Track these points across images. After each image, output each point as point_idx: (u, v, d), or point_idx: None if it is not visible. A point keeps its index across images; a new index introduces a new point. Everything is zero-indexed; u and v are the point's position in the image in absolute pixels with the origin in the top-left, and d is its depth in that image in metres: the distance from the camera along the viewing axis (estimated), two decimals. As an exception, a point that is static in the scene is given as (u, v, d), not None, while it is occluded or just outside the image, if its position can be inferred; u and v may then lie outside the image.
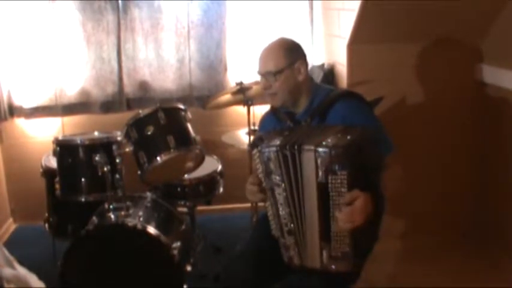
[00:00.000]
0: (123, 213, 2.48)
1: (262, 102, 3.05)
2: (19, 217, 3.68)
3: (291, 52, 2.00)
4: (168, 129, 2.55)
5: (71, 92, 3.47)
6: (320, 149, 1.69)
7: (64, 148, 2.62)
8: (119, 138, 2.57)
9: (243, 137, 3.05)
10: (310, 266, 1.83)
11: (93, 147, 2.58)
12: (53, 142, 2.65)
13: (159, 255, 2.39)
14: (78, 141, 2.61)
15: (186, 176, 2.88)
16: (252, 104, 2.83)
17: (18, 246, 3.16)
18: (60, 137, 2.72)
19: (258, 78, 2.07)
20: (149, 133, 2.54)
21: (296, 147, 1.74)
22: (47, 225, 2.92)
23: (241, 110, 3.15)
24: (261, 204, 1.98)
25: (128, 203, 2.53)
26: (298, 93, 2.03)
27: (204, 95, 3.50)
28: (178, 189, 2.93)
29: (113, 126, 2.91)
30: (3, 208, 3.59)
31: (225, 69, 3.56)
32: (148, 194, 2.74)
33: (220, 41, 3.50)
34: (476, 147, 3.11)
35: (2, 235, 3.46)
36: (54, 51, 3.38)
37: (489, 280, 2.74)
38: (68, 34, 3.37)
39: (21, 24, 3.33)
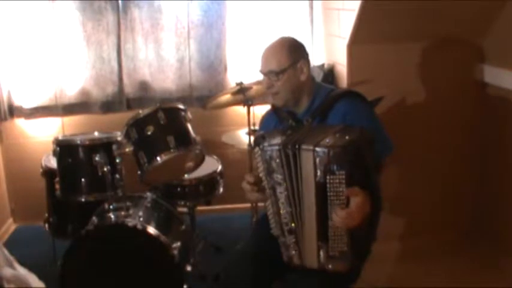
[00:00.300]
0: (123, 213, 2.48)
1: (262, 102, 3.06)
2: (19, 217, 3.68)
3: (294, 51, 1.99)
4: (168, 129, 2.55)
5: (71, 92, 3.47)
6: (318, 149, 1.69)
7: (64, 148, 2.62)
8: (119, 138, 2.57)
9: (243, 137, 3.05)
10: (309, 265, 1.83)
11: (93, 147, 2.58)
12: (53, 142, 2.65)
13: (159, 255, 2.39)
14: (78, 141, 2.61)
15: (186, 176, 2.88)
16: (252, 104, 2.83)
17: (18, 246, 3.16)
18: (60, 137, 2.72)
19: (258, 78, 2.07)
20: (149, 133, 2.54)
21: (297, 146, 1.74)
22: (47, 225, 2.92)
23: (241, 110, 3.15)
24: (261, 204, 1.98)
25: (128, 203, 2.53)
26: (300, 93, 2.03)
27: (204, 95, 3.49)
28: (178, 189, 2.93)
29: (113, 126, 2.92)
30: (3, 208, 3.59)
31: (225, 69, 3.56)
32: (148, 194, 2.74)
33: (220, 41, 3.50)
34: (477, 147, 3.11)
35: (2, 235, 3.46)
36: (54, 51, 3.38)
37: (489, 280, 2.74)
38: (68, 34, 3.37)
39: (21, 24, 3.32)
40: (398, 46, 2.88)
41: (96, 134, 2.84)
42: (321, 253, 1.77)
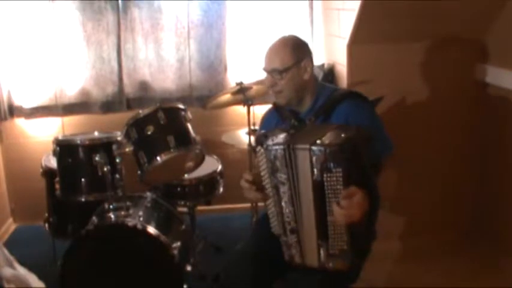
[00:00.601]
0: (123, 213, 2.48)
1: (262, 102, 3.06)
2: (19, 217, 3.68)
3: (297, 50, 1.99)
4: (168, 129, 2.54)
5: (71, 92, 3.47)
6: (314, 148, 1.69)
7: (64, 148, 2.62)
8: (119, 138, 2.57)
9: (243, 137, 3.05)
10: (310, 264, 1.83)
11: (93, 147, 2.58)
12: (53, 142, 2.64)
13: (159, 255, 2.39)
14: (78, 141, 2.61)
15: (186, 176, 2.88)
16: (252, 104, 2.83)
17: (18, 246, 3.16)
18: (60, 137, 2.71)
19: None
20: (149, 133, 2.54)
21: (294, 145, 1.74)
22: (47, 225, 2.92)
23: (241, 110, 3.15)
24: (261, 204, 1.98)
25: (128, 203, 2.53)
26: (303, 92, 2.02)
27: (204, 95, 3.49)
28: (178, 189, 2.93)
29: (113, 126, 2.91)
30: (3, 208, 3.59)
31: (225, 69, 3.56)
32: (148, 194, 2.74)
33: (220, 41, 3.50)
34: (477, 147, 3.11)
35: (2, 235, 3.46)
36: (54, 51, 3.38)
37: (489, 280, 2.74)
38: (68, 34, 3.37)
39: (21, 24, 3.33)
40: (399, 46, 2.89)
41: (96, 134, 2.84)
42: (321, 251, 1.77)
